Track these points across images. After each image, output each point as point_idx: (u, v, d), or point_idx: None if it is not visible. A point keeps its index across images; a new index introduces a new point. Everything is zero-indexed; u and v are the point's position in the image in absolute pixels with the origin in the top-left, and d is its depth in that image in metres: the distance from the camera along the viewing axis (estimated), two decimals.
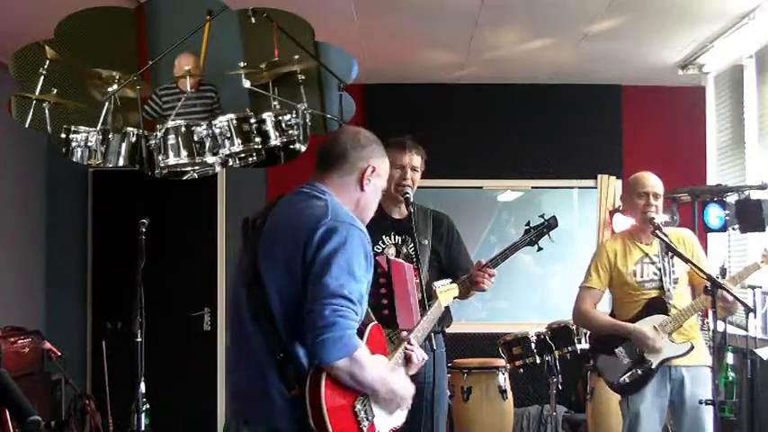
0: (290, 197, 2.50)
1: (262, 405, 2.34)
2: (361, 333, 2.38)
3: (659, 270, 4.01)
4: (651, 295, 4.01)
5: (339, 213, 2.36)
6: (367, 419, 2.37)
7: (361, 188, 2.50)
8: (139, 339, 3.87)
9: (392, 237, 3.88)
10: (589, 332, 4.33)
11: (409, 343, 2.65)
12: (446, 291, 2.97)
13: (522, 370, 5.12)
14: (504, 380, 5.18)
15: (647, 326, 3.94)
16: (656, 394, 3.94)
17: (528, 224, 3.90)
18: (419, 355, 2.64)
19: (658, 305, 3.98)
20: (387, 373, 2.45)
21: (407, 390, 2.52)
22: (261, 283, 2.32)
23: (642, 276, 4.03)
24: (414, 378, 3.80)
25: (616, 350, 4.02)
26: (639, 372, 3.95)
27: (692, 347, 3.95)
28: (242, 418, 2.40)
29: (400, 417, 2.59)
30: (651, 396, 3.93)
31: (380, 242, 3.86)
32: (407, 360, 2.63)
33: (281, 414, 2.29)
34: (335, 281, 2.24)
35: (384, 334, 2.58)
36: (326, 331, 2.20)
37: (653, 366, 3.93)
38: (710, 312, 3.85)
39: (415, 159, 3.87)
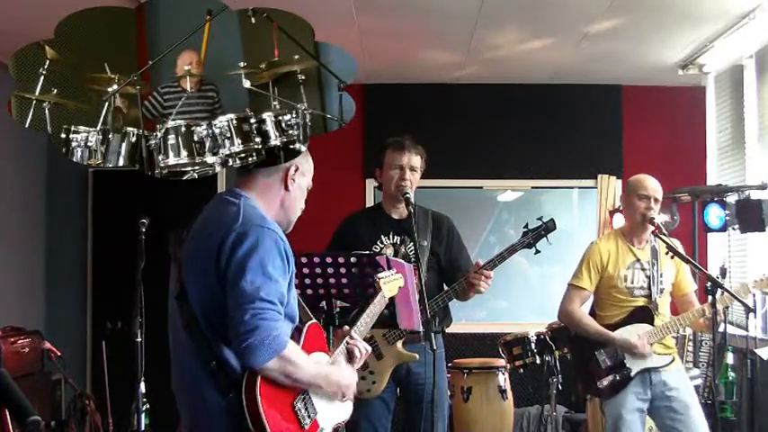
0: (208, 206, 2.55)
1: (201, 413, 2.37)
2: (299, 332, 2.42)
3: (648, 278, 4.01)
4: (638, 303, 4.01)
5: (250, 217, 2.38)
6: (308, 417, 2.39)
7: (286, 188, 2.52)
8: (139, 339, 3.87)
9: (391, 237, 3.88)
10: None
11: (351, 337, 2.66)
12: (389, 282, 2.94)
13: (522, 370, 5.11)
14: (504, 380, 5.17)
15: (631, 334, 3.95)
16: (635, 397, 3.95)
17: (526, 226, 3.91)
18: (362, 348, 2.65)
19: (645, 314, 3.99)
20: (324, 367, 2.47)
21: (350, 379, 2.53)
22: (186, 294, 2.35)
23: (632, 282, 4.03)
24: (412, 378, 3.83)
25: (596, 353, 4.02)
26: (618, 377, 3.96)
27: (673, 360, 3.98)
28: (187, 426, 2.45)
29: (346, 410, 2.60)
30: (633, 399, 3.94)
31: (379, 242, 3.87)
32: (350, 354, 2.64)
33: (220, 421, 2.32)
34: (251, 285, 2.26)
35: (323, 331, 2.60)
36: (249, 336, 2.22)
37: (631, 374, 3.95)
38: (712, 313, 3.86)
39: (414, 159, 3.87)
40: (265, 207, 2.48)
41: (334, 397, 2.49)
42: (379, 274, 2.93)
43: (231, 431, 2.29)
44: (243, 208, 2.40)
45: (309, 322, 2.52)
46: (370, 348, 2.72)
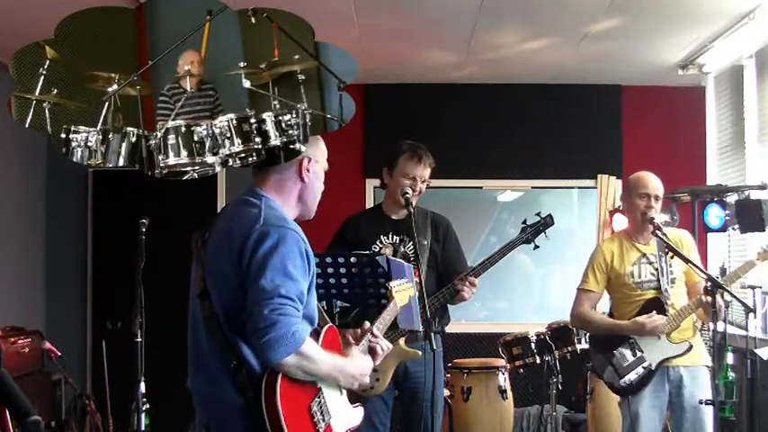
0: (229, 207, 2.57)
1: (219, 411, 2.38)
2: (317, 334, 2.43)
3: (656, 270, 4.01)
4: (648, 296, 4.01)
5: (270, 217, 2.40)
6: (323, 420, 2.40)
7: (302, 179, 2.53)
8: (139, 339, 3.87)
9: (390, 236, 3.91)
10: (588, 333, 4.35)
11: (373, 335, 2.67)
12: (402, 290, 2.96)
13: (522, 370, 5.12)
14: (504, 380, 5.17)
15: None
16: (654, 394, 3.94)
17: (524, 222, 3.97)
18: (384, 346, 2.67)
19: (656, 305, 3.98)
20: (340, 359, 2.48)
21: (365, 368, 2.54)
22: (208, 293, 2.37)
23: (640, 277, 4.03)
24: (410, 377, 3.83)
25: (615, 351, 4.02)
26: (639, 373, 3.95)
27: (691, 347, 3.96)
28: (204, 424, 2.45)
29: (358, 416, 2.63)
30: (650, 396, 3.94)
31: (378, 242, 3.90)
32: (371, 352, 2.66)
33: (238, 420, 2.33)
34: (271, 282, 2.27)
35: (339, 335, 2.61)
36: (269, 331, 2.23)
37: (653, 367, 3.94)
38: (710, 313, 3.86)
39: (427, 172, 3.92)
40: (284, 203, 2.51)
41: (351, 385, 2.50)
42: (392, 283, 2.95)
43: (248, 431, 2.30)
44: (264, 209, 2.42)
45: (327, 325, 2.54)
46: (391, 346, 2.74)
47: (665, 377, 3.95)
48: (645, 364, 3.94)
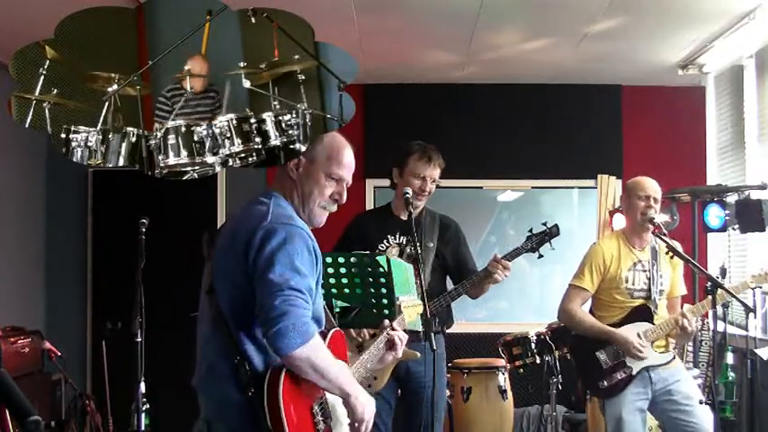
0: (243, 206, 2.57)
1: (220, 406, 2.39)
2: (324, 337, 2.44)
3: (648, 279, 4.01)
4: (636, 303, 4.01)
5: (278, 216, 2.40)
6: (324, 422, 2.39)
7: (290, 176, 2.50)
8: (139, 339, 3.87)
9: (397, 237, 3.93)
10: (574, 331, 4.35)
11: (392, 328, 2.69)
12: (410, 306, 2.98)
13: (522, 370, 5.11)
14: (504, 380, 5.17)
15: (631, 332, 3.95)
16: (635, 396, 3.94)
17: (530, 231, 3.96)
18: (402, 337, 2.69)
19: (644, 313, 3.99)
20: (348, 370, 2.48)
21: (371, 403, 2.47)
22: (215, 289, 2.39)
23: (633, 284, 4.03)
24: (412, 378, 3.83)
25: (597, 353, 4.02)
26: (619, 377, 3.96)
27: (674, 358, 3.97)
28: (205, 418, 2.46)
29: None
30: (631, 398, 3.94)
31: (385, 241, 3.91)
32: (391, 343, 2.67)
33: (239, 415, 2.33)
34: (280, 276, 2.28)
35: (345, 339, 2.61)
36: (280, 320, 2.23)
37: (633, 372, 3.94)
38: (710, 313, 3.86)
39: (437, 173, 3.95)
40: (291, 202, 2.50)
41: (352, 414, 2.44)
42: (401, 297, 2.96)
43: (249, 427, 2.31)
44: (272, 207, 2.43)
45: (333, 329, 2.54)
46: (407, 337, 2.75)
47: (648, 380, 3.96)
48: (626, 369, 3.95)
